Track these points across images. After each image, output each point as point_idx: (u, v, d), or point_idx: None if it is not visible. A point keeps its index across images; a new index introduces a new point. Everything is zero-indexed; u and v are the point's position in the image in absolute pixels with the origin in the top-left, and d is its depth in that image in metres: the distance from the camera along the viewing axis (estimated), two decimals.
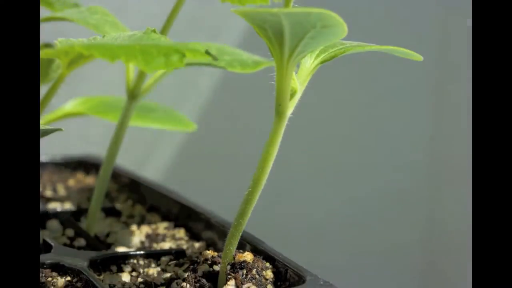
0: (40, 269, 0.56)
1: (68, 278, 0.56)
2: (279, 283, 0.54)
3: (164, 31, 0.64)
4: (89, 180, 0.79)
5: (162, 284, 0.55)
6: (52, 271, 0.57)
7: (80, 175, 0.80)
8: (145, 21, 0.62)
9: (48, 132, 0.53)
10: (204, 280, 0.54)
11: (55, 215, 0.68)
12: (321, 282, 0.52)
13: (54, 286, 0.55)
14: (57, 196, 0.76)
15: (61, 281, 0.56)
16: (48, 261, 0.57)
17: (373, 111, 1.16)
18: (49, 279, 0.56)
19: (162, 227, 0.68)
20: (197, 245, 0.63)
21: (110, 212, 0.70)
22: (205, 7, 1.00)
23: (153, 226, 0.68)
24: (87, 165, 0.80)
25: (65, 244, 0.63)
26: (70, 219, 0.67)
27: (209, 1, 0.97)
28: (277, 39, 0.51)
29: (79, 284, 0.55)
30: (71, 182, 0.79)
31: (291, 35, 0.50)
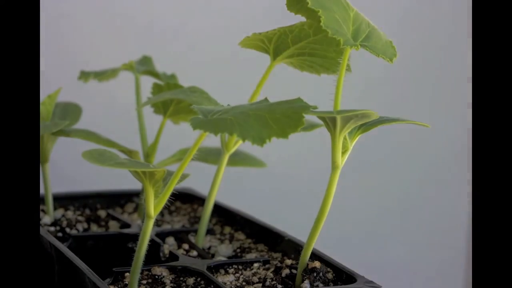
0: (173, 271, 0.83)
1: (194, 278, 0.83)
2: (337, 282, 0.82)
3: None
4: (185, 207, 1.06)
5: (258, 282, 0.82)
6: (182, 273, 0.84)
7: (177, 203, 1.07)
8: None
9: (183, 178, 0.80)
10: (287, 280, 0.82)
11: (170, 233, 0.95)
12: (366, 281, 0.79)
13: (185, 283, 0.82)
14: (163, 219, 1.03)
15: (190, 280, 0.83)
16: (179, 266, 0.84)
17: None
18: (181, 278, 0.83)
19: (247, 242, 0.95)
20: (275, 255, 0.91)
21: (207, 231, 0.97)
22: None
23: (240, 242, 0.95)
24: (185, 196, 1.08)
25: (183, 255, 0.90)
26: (184, 236, 0.95)
27: None
28: (332, 123, 0.78)
29: (202, 282, 0.82)
30: (172, 208, 1.06)
31: (341, 122, 0.77)
